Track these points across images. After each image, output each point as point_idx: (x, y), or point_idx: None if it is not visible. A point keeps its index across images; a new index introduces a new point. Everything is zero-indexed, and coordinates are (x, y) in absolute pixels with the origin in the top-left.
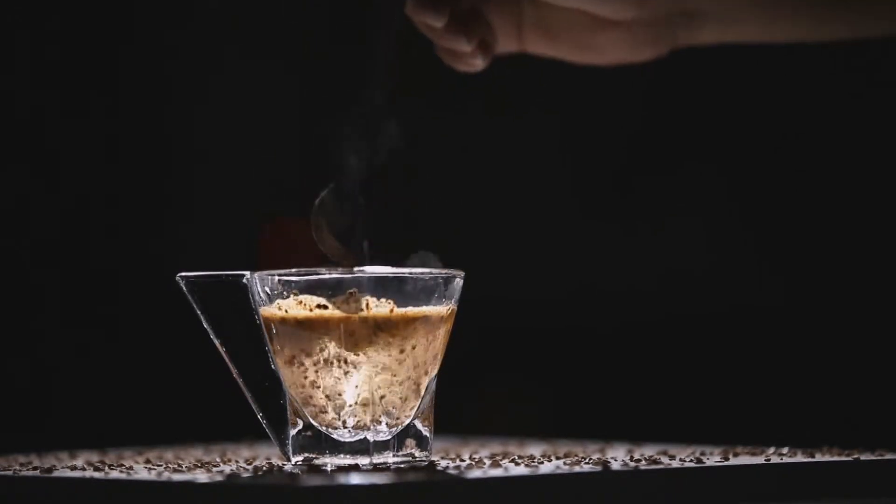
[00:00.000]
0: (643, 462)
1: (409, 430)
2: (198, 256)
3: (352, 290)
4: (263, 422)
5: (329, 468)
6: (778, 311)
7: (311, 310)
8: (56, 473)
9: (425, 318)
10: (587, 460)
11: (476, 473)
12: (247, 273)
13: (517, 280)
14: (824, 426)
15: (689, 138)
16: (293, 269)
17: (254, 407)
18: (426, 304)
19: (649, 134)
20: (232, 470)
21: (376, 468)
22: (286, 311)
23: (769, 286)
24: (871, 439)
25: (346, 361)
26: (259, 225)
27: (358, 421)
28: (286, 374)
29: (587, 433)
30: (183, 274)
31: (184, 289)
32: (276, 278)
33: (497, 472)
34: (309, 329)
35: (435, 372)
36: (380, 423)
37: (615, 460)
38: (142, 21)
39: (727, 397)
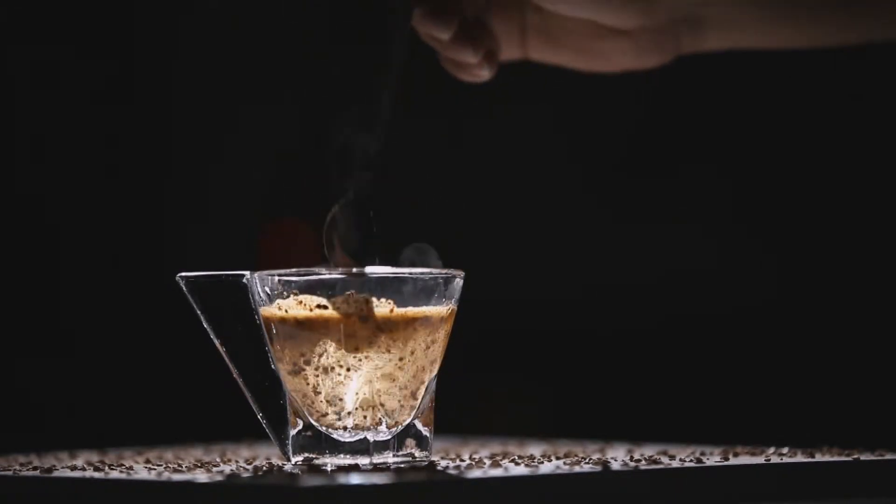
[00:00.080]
0: (643, 462)
1: (409, 430)
2: (198, 256)
3: (350, 292)
4: (263, 422)
5: (329, 468)
6: (778, 312)
7: (311, 310)
8: (56, 473)
9: (425, 319)
10: (587, 460)
11: (476, 473)
12: (247, 273)
13: (517, 280)
14: (824, 426)
15: (690, 140)
16: (293, 269)
17: (254, 407)
18: (426, 305)
19: (650, 136)
20: (232, 470)
21: (376, 468)
22: (286, 311)
23: (769, 287)
24: (871, 439)
25: (346, 361)
26: (259, 225)
27: (358, 421)
28: (286, 374)
29: (587, 433)
30: (183, 274)
31: (184, 289)
32: (276, 278)
33: (497, 472)
34: (309, 329)
35: (435, 372)
36: (380, 423)
37: (615, 460)
38: (142, 21)
39: (727, 397)
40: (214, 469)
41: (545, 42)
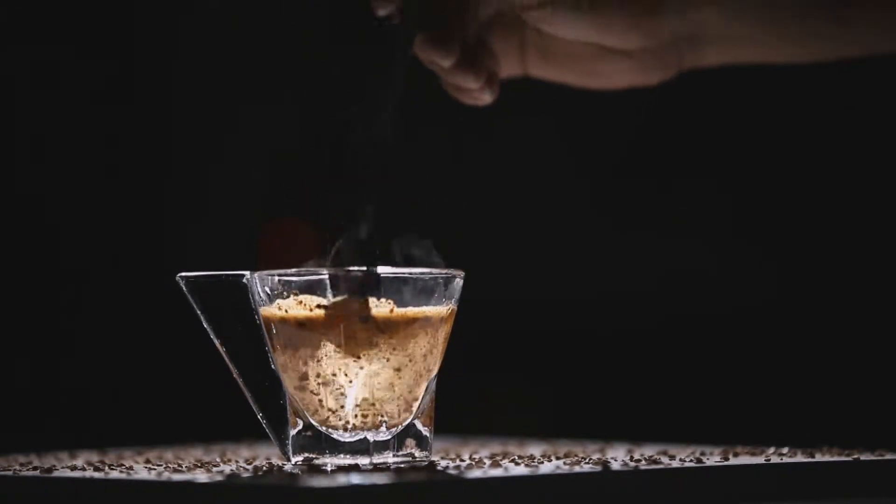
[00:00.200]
0: (643, 462)
1: (409, 430)
2: (198, 256)
3: (349, 294)
4: (263, 422)
5: (329, 468)
6: (777, 312)
7: (311, 310)
8: (56, 473)
9: (425, 319)
10: (587, 460)
11: (476, 473)
12: (247, 273)
13: (517, 280)
14: (824, 426)
15: (690, 141)
16: (293, 269)
17: (254, 407)
18: (426, 305)
19: (650, 137)
20: (232, 470)
21: (376, 468)
22: (286, 311)
23: (769, 287)
24: (871, 439)
25: (345, 362)
26: (259, 225)
27: (358, 421)
28: (286, 375)
29: (587, 433)
30: (183, 274)
31: (184, 289)
32: (276, 278)
33: (497, 472)
34: (309, 329)
35: (435, 372)
36: (380, 423)
37: (615, 460)
38: (142, 21)
39: (727, 397)
40: (214, 469)
41: (546, 60)
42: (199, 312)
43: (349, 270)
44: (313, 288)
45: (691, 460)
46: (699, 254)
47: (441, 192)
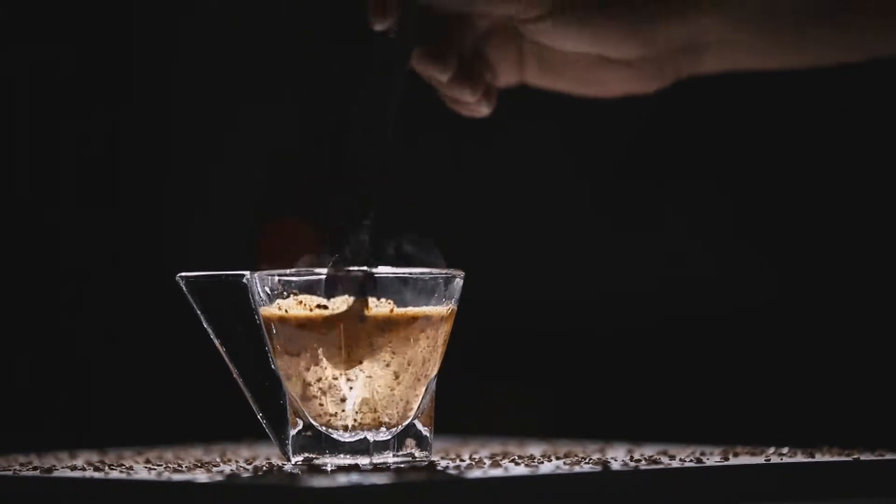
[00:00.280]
0: (643, 462)
1: (409, 430)
2: (198, 256)
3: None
4: (263, 422)
5: (329, 468)
6: (777, 312)
7: (311, 310)
8: (56, 473)
9: (426, 319)
10: (587, 460)
11: (476, 473)
12: (247, 273)
13: (517, 280)
14: (824, 426)
15: (690, 142)
16: (293, 269)
17: (254, 407)
18: (426, 305)
19: (649, 137)
20: (232, 470)
21: (376, 468)
22: (286, 311)
23: (769, 287)
24: (871, 439)
25: (345, 362)
26: (259, 225)
27: (358, 421)
28: (286, 375)
29: (587, 433)
30: (183, 274)
31: (184, 289)
32: (276, 278)
33: (497, 472)
34: (309, 329)
35: (435, 372)
36: (380, 423)
37: (615, 460)
38: (142, 21)
39: (727, 397)
40: (214, 469)
41: (543, 69)
42: (199, 312)
43: (348, 271)
44: (313, 288)
45: (691, 460)
46: (699, 254)
47: (441, 192)
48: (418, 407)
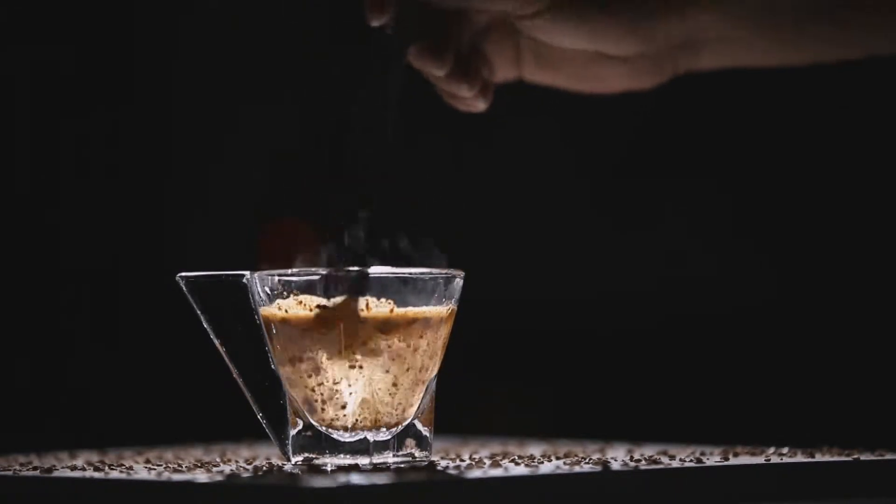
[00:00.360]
0: (643, 462)
1: (409, 430)
2: (198, 256)
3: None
4: (263, 422)
5: (329, 468)
6: (777, 312)
7: (311, 310)
8: (56, 473)
9: (425, 319)
10: (587, 460)
11: (476, 473)
12: (247, 273)
13: (517, 280)
14: (824, 426)
15: (690, 142)
16: (293, 269)
17: (254, 407)
18: (426, 305)
19: (650, 137)
20: (232, 470)
21: (376, 468)
22: (286, 311)
23: (769, 287)
24: (871, 439)
25: (345, 362)
26: (259, 225)
27: (358, 421)
28: (286, 374)
29: (587, 433)
30: (183, 274)
31: (184, 289)
32: (276, 278)
33: (497, 472)
34: (309, 329)
35: (435, 372)
36: (380, 423)
37: (615, 460)
38: (142, 21)
39: (727, 397)
40: (214, 469)
41: (541, 65)
42: (199, 312)
43: (347, 271)
44: (313, 288)
45: (691, 460)
46: (699, 254)
47: (441, 192)
48: (418, 407)
